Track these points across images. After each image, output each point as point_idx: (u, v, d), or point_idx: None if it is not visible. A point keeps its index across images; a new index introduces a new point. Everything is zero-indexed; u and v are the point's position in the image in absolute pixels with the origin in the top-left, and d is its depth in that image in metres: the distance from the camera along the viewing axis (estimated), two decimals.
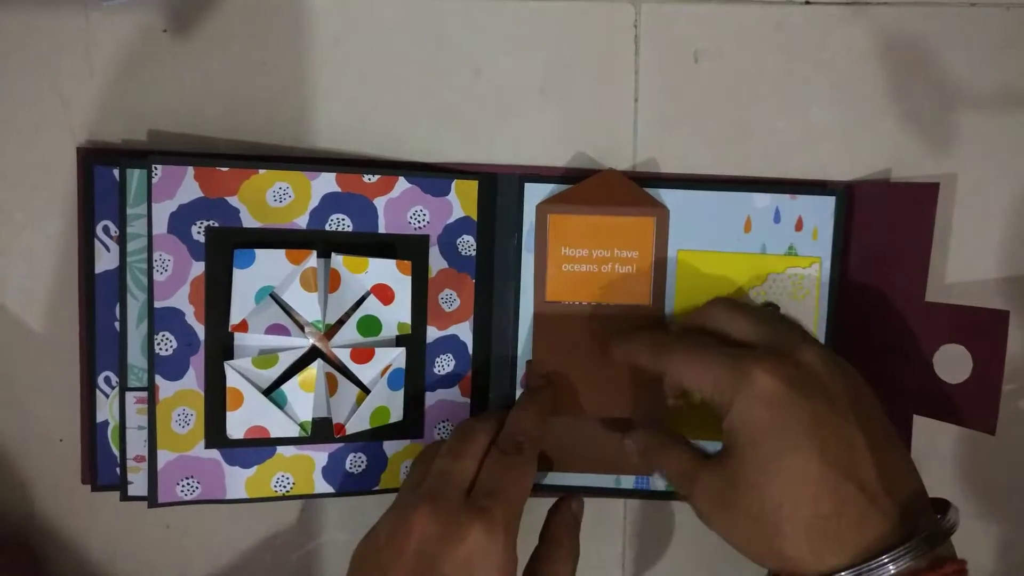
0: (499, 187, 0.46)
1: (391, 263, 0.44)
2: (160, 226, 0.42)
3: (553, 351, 0.47)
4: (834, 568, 0.34)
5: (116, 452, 0.45)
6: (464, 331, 0.46)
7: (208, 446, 0.44)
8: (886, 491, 0.35)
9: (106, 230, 0.44)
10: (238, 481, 0.44)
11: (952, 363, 0.43)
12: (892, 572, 0.33)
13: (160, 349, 0.43)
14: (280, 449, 0.45)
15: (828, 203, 0.46)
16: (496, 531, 0.37)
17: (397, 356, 0.45)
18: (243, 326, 0.43)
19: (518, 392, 0.47)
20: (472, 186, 0.46)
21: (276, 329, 0.43)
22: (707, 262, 0.46)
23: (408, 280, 0.44)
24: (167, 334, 0.43)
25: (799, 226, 0.46)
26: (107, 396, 0.45)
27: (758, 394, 0.36)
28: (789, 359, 0.37)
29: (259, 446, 0.44)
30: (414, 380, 0.46)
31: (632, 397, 0.47)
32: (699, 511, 0.39)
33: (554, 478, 0.47)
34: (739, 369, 0.37)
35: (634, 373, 0.46)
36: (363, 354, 0.44)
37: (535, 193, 0.46)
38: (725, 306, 0.42)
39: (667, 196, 0.46)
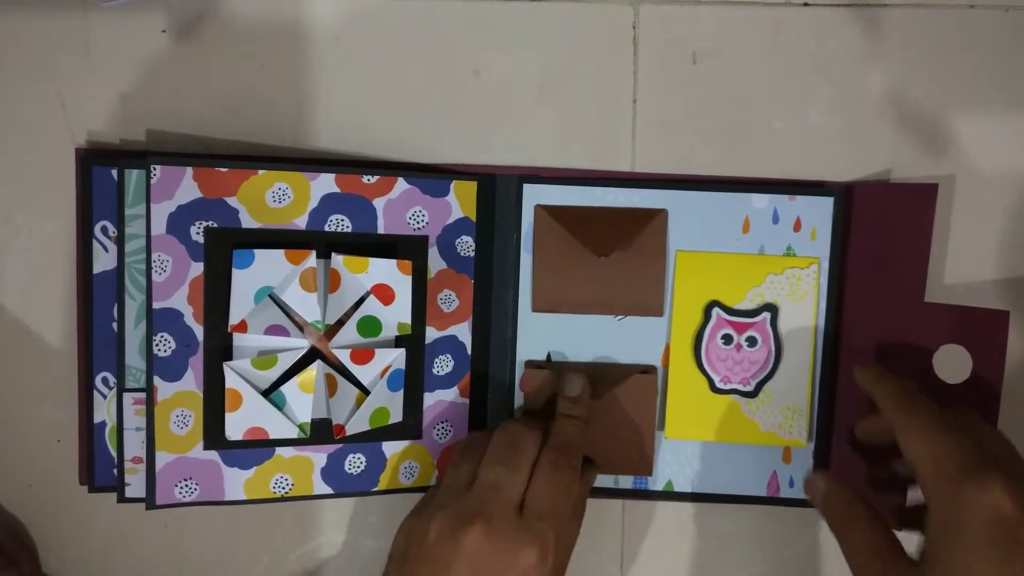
0: (498, 188, 0.46)
1: (392, 263, 0.44)
2: (159, 227, 0.42)
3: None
4: None
5: (114, 453, 0.45)
6: (463, 332, 0.46)
7: (207, 447, 0.44)
8: None
9: (104, 231, 0.44)
10: (237, 482, 0.44)
11: (952, 363, 0.43)
12: None
13: (158, 350, 0.43)
14: (279, 450, 0.45)
15: (826, 204, 0.46)
16: (547, 553, 0.38)
17: (397, 357, 0.45)
18: (242, 327, 0.43)
19: (517, 393, 0.47)
20: (471, 187, 0.46)
21: (275, 330, 0.43)
22: (705, 263, 0.46)
23: (408, 280, 0.44)
24: (166, 335, 0.43)
25: (797, 227, 0.46)
26: (105, 397, 0.45)
27: (992, 506, 0.33)
28: None
29: (258, 447, 0.44)
30: (413, 381, 0.46)
31: (629, 398, 0.47)
32: None
33: None
34: (980, 467, 0.34)
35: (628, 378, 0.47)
36: (363, 355, 0.44)
37: (534, 194, 0.46)
38: (980, 420, 0.40)
39: (665, 197, 0.46)
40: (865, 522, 0.39)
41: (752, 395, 0.47)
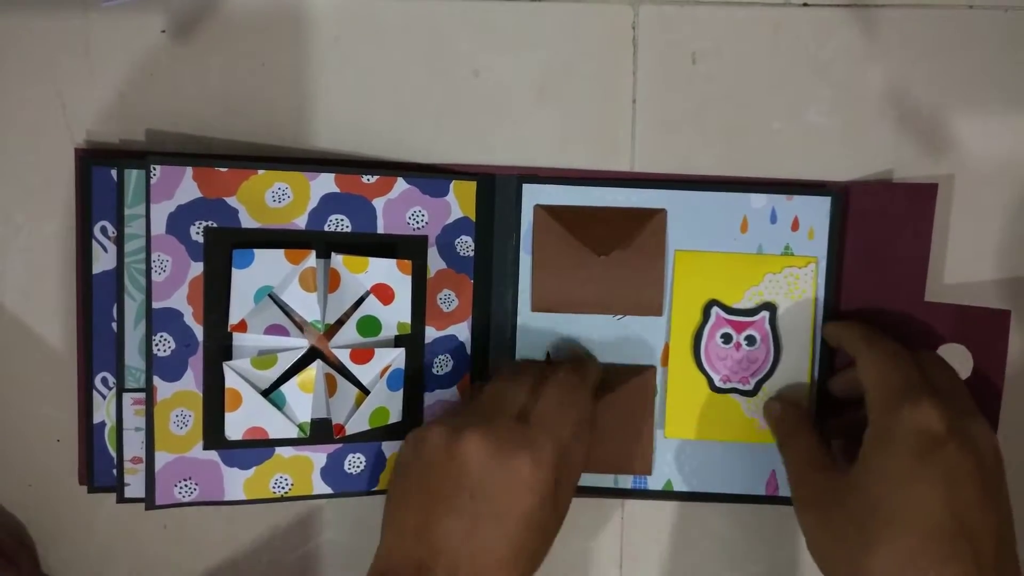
0: (497, 188, 0.46)
1: (391, 262, 0.44)
2: (159, 226, 0.42)
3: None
4: None
5: (113, 453, 0.45)
6: (462, 331, 0.46)
7: (206, 447, 0.44)
8: (990, 564, 0.35)
9: (104, 231, 0.44)
10: (236, 482, 0.44)
11: (952, 362, 0.43)
12: None
13: (158, 350, 0.43)
14: (279, 450, 0.45)
15: (824, 204, 0.46)
16: (543, 461, 0.38)
17: (397, 357, 0.45)
18: (242, 326, 0.43)
19: None
20: (471, 187, 0.46)
21: (275, 329, 0.43)
22: (704, 262, 0.46)
23: (408, 280, 0.44)
24: (165, 335, 0.43)
25: (795, 226, 0.46)
26: (104, 397, 0.45)
27: (922, 422, 0.37)
28: (962, 414, 0.38)
29: (258, 447, 0.44)
30: (413, 381, 0.46)
31: (625, 402, 0.47)
32: (802, 499, 0.40)
33: None
34: (919, 391, 0.38)
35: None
36: (363, 355, 0.44)
37: (533, 194, 0.46)
38: (935, 358, 0.43)
39: (664, 196, 0.46)
40: (805, 436, 0.43)
41: (751, 394, 0.47)
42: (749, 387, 0.47)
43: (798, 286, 0.46)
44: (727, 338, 0.46)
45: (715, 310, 0.46)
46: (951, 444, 0.36)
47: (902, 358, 0.40)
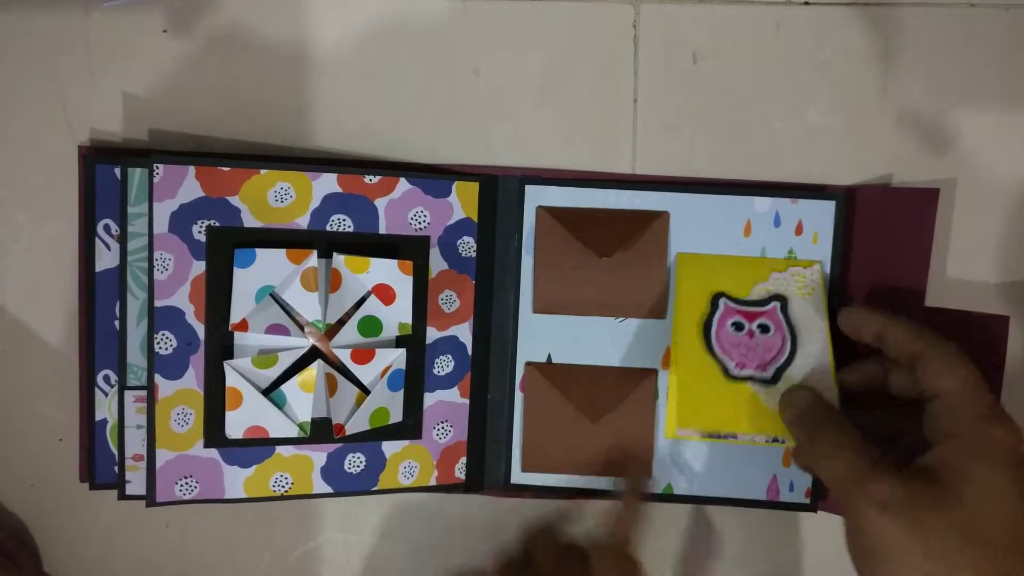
0: (500, 189, 0.46)
1: (393, 263, 0.44)
2: (161, 225, 0.42)
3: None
4: None
5: (114, 451, 0.45)
6: (464, 332, 0.47)
7: (207, 445, 0.44)
8: None
9: (107, 229, 0.44)
10: (237, 481, 0.44)
11: None
12: None
13: (160, 348, 0.43)
14: (279, 449, 0.45)
15: (828, 207, 0.46)
16: None
17: (397, 357, 0.45)
18: (243, 325, 0.43)
19: (517, 395, 0.47)
20: (473, 188, 0.46)
21: (276, 329, 0.43)
22: (707, 265, 0.46)
23: (410, 280, 0.44)
24: (167, 333, 0.43)
25: (799, 230, 0.46)
26: (106, 395, 0.45)
27: (1014, 440, 0.37)
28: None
29: (258, 446, 0.44)
30: (414, 381, 0.46)
31: (627, 406, 0.47)
32: (879, 503, 0.36)
33: (553, 479, 0.47)
34: (997, 404, 0.38)
35: (626, 380, 0.47)
36: (363, 355, 0.44)
37: (535, 195, 0.46)
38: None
39: (667, 199, 0.46)
40: (848, 431, 0.40)
41: (771, 382, 0.44)
42: (768, 375, 0.44)
43: (805, 283, 0.46)
44: (739, 326, 0.45)
45: (723, 300, 0.45)
46: None
47: (971, 363, 0.39)
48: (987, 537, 0.35)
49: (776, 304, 0.45)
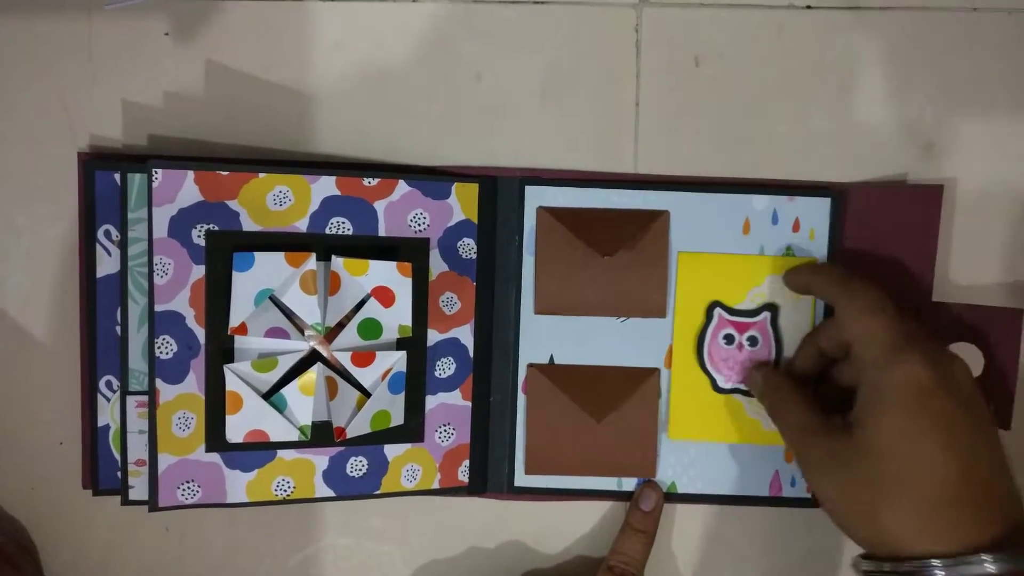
0: (499, 190, 0.46)
1: (391, 265, 0.44)
2: (160, 230, 0.42)
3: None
4: (930, 553, 0.36)
5: (117, 456, 0.45)
6: (465, 334, 0.46)
7: (209, 450, 0.44)
8: (996, 500, 0.37)
9: (107, 234, 0.44)
10: (238, 485, 0.44)
11: None
12: (991, 572, 0.35)
13: (160, 353, 0.43)
14: (280, 453, 0.45)
15: (824, 205, 0.46)
16: None
17: (398, 359, 0.45)
18: (243, 329, 0.43)
19: (520, 397, 0.47)
20: (472, 189, 0.46)
21: (276, 332, 0.43)
22: (707, 263, 0.46)
23: (409, 282, 0.44)
24: (167, 338, 0.43)
25: (796, 227, 0.46)
26: (108, 400, 0.45)
27: (912, 377, 0.38)
28: (945, 360, 0.39)
29: (259, 450, 0.44)
30: (415, 383, 0.46)
31: (630, 404, 0.47)
32: (810, 464, 0.40)
33: (555, 481, 0.47)
34: (909, 346, 0.38)
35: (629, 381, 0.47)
36: (364, 357, 0.44)
37: (536, 196, 0.46)
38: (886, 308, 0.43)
39: (667, 198, 0.46)
40: (796, 401, 0.43)
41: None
42: None
43: None
44: (730, 339, 0.46)
45: (718, 311, 0.46)
46: (939, 392, 0.37)
47: (882, 306, 0.40)
48: (898, 480, 0.37)
49: (767, 315, 0.46)
